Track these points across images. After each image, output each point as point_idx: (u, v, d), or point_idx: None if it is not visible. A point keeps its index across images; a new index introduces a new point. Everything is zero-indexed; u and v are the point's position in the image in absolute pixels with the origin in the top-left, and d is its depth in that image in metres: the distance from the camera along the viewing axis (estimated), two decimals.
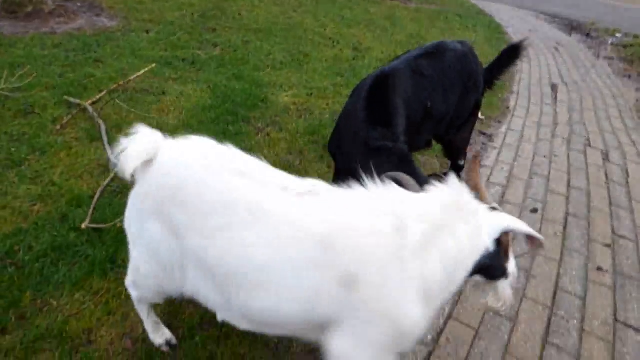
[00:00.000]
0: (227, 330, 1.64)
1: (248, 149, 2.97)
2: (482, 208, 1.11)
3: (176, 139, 1.20)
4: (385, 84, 1.90)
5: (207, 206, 1.02)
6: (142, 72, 3.78)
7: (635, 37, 7.79)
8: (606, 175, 3.15)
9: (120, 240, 1.93)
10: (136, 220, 1.18)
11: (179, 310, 1.73)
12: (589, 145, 3.58)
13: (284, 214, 0.99)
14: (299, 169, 2.85)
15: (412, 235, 0.97)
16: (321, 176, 2.79)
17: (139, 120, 3.02)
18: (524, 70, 5.50)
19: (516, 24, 8.48)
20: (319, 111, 3.61)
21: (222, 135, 3.06)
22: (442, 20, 7.66)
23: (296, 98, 3.79)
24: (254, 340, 1.63)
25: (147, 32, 4.80)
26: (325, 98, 3.87)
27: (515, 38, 7.26)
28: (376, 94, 1.85)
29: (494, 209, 1.15)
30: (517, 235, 1.20)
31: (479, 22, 7.99)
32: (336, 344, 1.01)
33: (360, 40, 5.73)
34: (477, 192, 1.16)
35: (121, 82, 3.52)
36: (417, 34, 6.54)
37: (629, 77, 5.74)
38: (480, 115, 3.93)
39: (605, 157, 3.41)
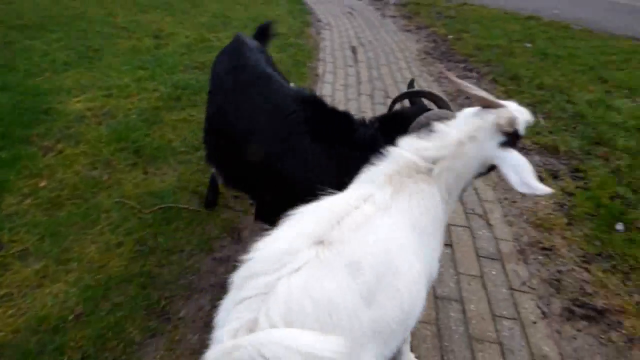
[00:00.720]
0: None
1: (35, 174, 2.45)
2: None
3: None
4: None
5: None
6: None
7: None
8: None
9: None
10: None
11: None
12: (388, 97, 4.05)
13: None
14: (109, 184, 2.47)
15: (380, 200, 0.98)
16: (137, 185, 2.48)
17: None
18: (326, 38, 5.87)
19: None
20: (123, 113, 3.17)
21: None
22: None
23: (91, 102, 3.25)
24: None
25: None
26: (129, 97, 3.42)
27: (314, 7, 7.69)
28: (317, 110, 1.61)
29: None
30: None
31: None
32: None
33: (161, 26, 5.23)
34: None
35: None
36: (221, 14, 6.31)
37: (410, 31, 6.68)
38: (292, 85, 4.04)
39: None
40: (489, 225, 2.43)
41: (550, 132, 3.48)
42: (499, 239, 2.31)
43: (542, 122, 3.67)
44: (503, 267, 2.12)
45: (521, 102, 4.03)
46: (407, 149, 1.09)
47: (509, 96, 4.19)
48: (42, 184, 2.39)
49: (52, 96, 3.25)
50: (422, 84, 4.44)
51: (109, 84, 3.57)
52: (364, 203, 0.96)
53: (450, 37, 6.10)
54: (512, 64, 4.90)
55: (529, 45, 5.62)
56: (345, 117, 1.60)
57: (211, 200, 2.38)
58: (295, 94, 1.65)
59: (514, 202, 2.67)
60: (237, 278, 0.85)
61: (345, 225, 0.87)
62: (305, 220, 0.90)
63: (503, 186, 2.82)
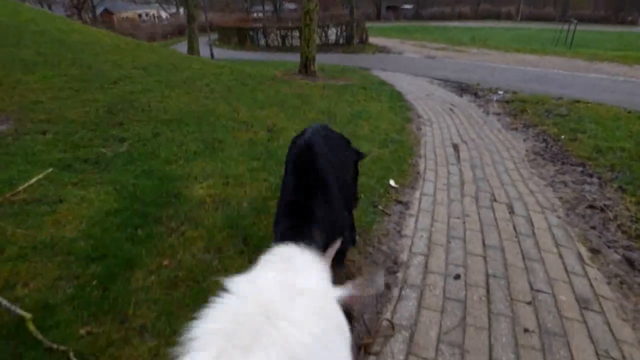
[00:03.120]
0: None
1: (160, 253, 2.75)
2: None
3: None
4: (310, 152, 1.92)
5: None
6: (34, 179, 3.44)
7: (514, 92, 9.01)
8: (514, 228, 3.37)
9: None
10: None
11: None
12: (495, 200, 3.85)
13: None
14: (218, 269, 2.65)
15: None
16: (242, 272, 2.61)
17: (26, 239, 2.69)
18: (427, 134, 5.99)
19: (414, 90, 9.41)
20: (236, 200, 3.50)
21: (129, 242, 2.80)
22: (349, 93, 8.26)
23: (212, 189, 3.66)
24: None
25: (44, 133, 4.47)
26: (242, 185, 3.79)
27: (415, 103, 8.01)
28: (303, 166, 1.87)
29: None
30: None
31: (382, 92, 8.74)
32: None
33: (274, 121, 5.89)
34: None
35: (8, 195, 3.15)
36: (327, 110, 6.92)
37: (516, 129, 6.50)
38: (393, 183, 4.10)
39: (511, 210, 3.67)
40: None
41: None
42: None
43: None
44: None
45: None
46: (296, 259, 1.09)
47: None
48: (165, 262, 2.66)
49: (182, 182, 3.74)
50: (533, 188, 4.17)
51: (228, 173, 4.01)
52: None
53: (563, 137, 5.78)
54: None
55: None
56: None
57: None
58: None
59: None
60: None
61: None
62: None
63: None
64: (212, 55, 15.45)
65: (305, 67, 10.75)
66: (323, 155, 1.96)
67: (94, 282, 2.40)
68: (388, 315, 2.37)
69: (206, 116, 5.73)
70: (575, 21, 21.14)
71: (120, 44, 10.04)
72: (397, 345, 2.13)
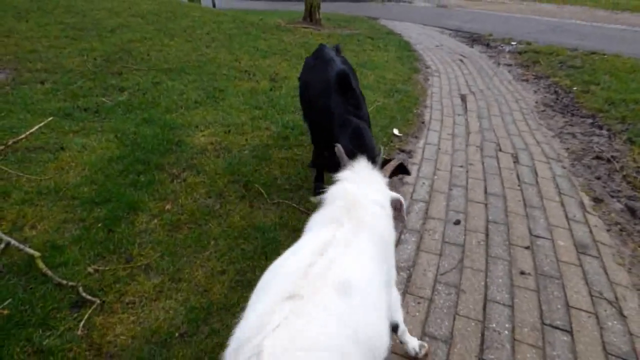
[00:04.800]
0: None
1: (163, 198, 2.78)
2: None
3: None
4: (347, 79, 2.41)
5: None
6: (35, 127, 3.44)
7: (528, 43, 8.63)
8: (518, 177, 3.34)
9: None
10: None
11: None
12: (500, 150, 3.80)
13: None
14: (220, 213, 2.69)
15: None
16: (243, 217, 2.65)
17: (30, 184, 2.72)
18: (434, 84, 5.82)
19: (423, 41, 9.06)
20: (238, 148, 3.48)
21: (132, 187, 2.82)
22: (355, 43, 7.96)
23: (213, 137, 3.64)
24: None
25: (42, 82, 4.41)
26: (244, 134, 3.75)
27: (423, 54, 7.73)
28: (344, 86, 2.40)
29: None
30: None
31: (390, 42, 8.42)
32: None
33: (277, 70, 5.73)
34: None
35: (9, 142, 3.16)
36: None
37: (527, 80, 6.29)
38: (397, 132, 4.04)
39: (516, 160, 3.63)
40: (622, 316, 2.05)
41: None
42: (635, 335, 1.93)
43: None
44: None
45: None
46: (356, 190, 1.34)
47: None
48: (168, 207, 2.70)
49: (184, 130, 3.72)
50: (540, 139, 4.09)
51: (229, 122, 3.97)
52: (328, 247, 1.04)
53: (575, 88, 5.59)
54: None
55: None
56: (346, 91, 2.40)
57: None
58: (334, 72, 2.47)
59: None
60: (229, 353, 0.87)
61: (312, 275, 0.93)
62: (276, 281, 0.97)
63: None
64: (214, 4, 14.83)
65: (310, 15, 10.31)
66: (354, 79, 2.60)
67: (99, 225, 2.45)
68: None
69: (207, 65, 5.59)
70: None
71: None
72: None
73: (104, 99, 4.21)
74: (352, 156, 1.61)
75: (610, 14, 12.63)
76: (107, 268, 2.16)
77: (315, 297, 0.89)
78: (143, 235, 2.42)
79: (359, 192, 1.32)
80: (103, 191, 2.74)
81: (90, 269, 2.13)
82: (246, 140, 3.64)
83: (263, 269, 2.21)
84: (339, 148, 1.76)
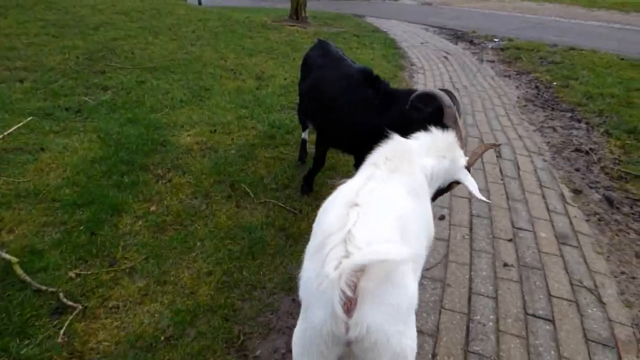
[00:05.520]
0: None
1: (147, 199, 2.75)
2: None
3: None
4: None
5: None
6: (14, 128, 3.37)
7: (510, 40, 8.76)
8: (501, 171, 3.40)
9: None
10: None
11: None
12: None
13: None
14: (205, 214, 2.67)
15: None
16: (230, 217, 2.65)
17: (8, 187, 2.66)
18: (419, 81, 5.87)
19: (408, 38, 9.11)
20: (224, 148, 3.46)
21: (115, 189, 2.79)
22: (341, 41, 7.97)
23: (199, 137, 3.61)
24: None
25: (21, 81, 4.32)
26: (230, 133, 3.74)
27: (408, 51, 7.78)
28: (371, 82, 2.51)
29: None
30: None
31: (375, 40, 8.44)
32: None
33: (263, 68, 5.71)
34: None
35: None
36: None
37: (509, 76, 6.39)
38: None
39: (498, 154, 3.69)
40: (601, 302, 2.11)
41: None
42: (613, 321, 1.99)
43: None
44: (619, 357, 1.81)
45: None
46: (406, 140, 1.58)
47: (625, 152, 3.73)
48: (153, 208, 2.67)
49: (169, 129, 3.68)
50: (522, 133, 4.17)
51: (215, 121, 3.94)
52: (368, 180, 1.30)
53: (555, 83, 5.70)
54: (630, 115, 4.39)
55: None
56: (377, 80, 2.51)
57: (302, 157, 3.40)
58: (358, 68, 2.63)
59: (634, 277, 2.31)
60: (312, 246, 1.15)
61: (362, 194, 1.20)
62: (338, 200, 1.23)
63: (619, 257, 2.47)
64: (199, 1, 14.68)
65: (296, 12, 10.27)
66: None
67: (81, 228, 2.41)
68: None
69: (192, 64, 5.54)
70: None
71: None
72: None
73: (86, 98, 4.14)
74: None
75: (588, 11, 12.91)
76: (89, 272, 2.13)
77: (369, 205, 1.16)
78: (127, 238, 2.39)
79: (411, 150, 1.53)
80: (85, 193, 2.70)
81: (71, 274, 2.10)
82: (232, 139, 3.63)
83: (250, 269, 2.24)
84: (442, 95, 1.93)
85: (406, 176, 1.40)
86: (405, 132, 1.92)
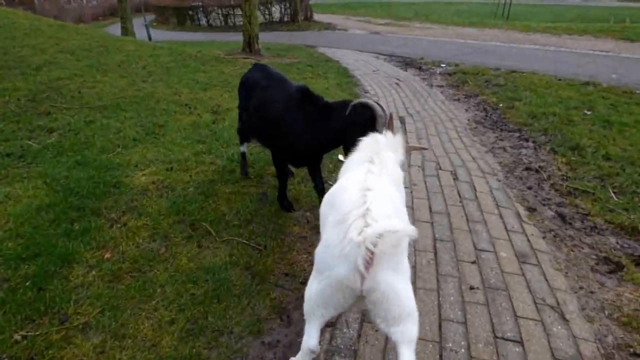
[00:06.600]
0: None
1: (101, 246, 2.58)
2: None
3: None
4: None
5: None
6: None
7: (456, 65, 9.29)
8: (459, 193, 3.51)
9: None
10: None
11: None
12: (440, 169, 3.99)
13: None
14: (166, 257, 2.54)
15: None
16: (191, 259, 2.53)
17: None
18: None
19: (360, 67, 9.44)
20: (182, 186, 3.35)
21: (65, 237, 2.60)
22: (295, 71, 8.12)
23: (155, 176, 3.48)
24: None
25: None
26: (188, 170, 3.63)
27: (361, 79, 8.05)
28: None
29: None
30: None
31: (329, 69, 8.68)
32: None
33: (218, 102, 5.67)
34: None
35: None
36: None
37: (458, 100, 6.74)
38: (342, 157, 4.11)
39: (455, 177, 3.82)
40: (564, 320, 2.18)
41: (626, 210, 3.21)
42: (578, 337, 2.05)
43: (614, 197, 3.41)
44: None
45: (588, 175, 3.84)
46: (380, 141, 1.90)
47: (572, 168, 3.98)
48: (107, 255, 2.51)
49: (122, 170, 3.52)
50: (475, 155, 4.36)
51: (171, 158, 3.83)
52: (369, 174, 1.60)
53: (501, 105, 6.06)
54: (572, 132, 4.72)
55: (588, 112, 5.44)
56: (316, 99, 2.74)
57: (244, 171, 3.64)
58: (296, 87, 2.86)
59: (592, 292, 2.41)
60: (332, 222, 1.44)
61: (367, 182, 1.50)
62: (351, 184, 1.54)
63: (576, 272, 2.58)
64: (149, 37, 14.53)
65: (249, 45, 10.40)
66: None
67: (27, 283, 2.21)
68: None
69: (145, 100, 5.40)
70: None
71: (41, 26, 9.18)
72: (350, 315, 2.17)
73: (30, 142, 3.90)
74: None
75: (525, 36, 14.01)
76: (37, 333, 1.94)
77: (377, 190, 1.46)
78: (79, 290, 2.22)
79: (385, 146, 1.87)
80: (31, 245, 2.50)
81: (17, 337, 1.90)
82: (190, 176, 3.52)
83: (215, 313, 2.14)
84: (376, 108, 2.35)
85: (391, 170, 1.76)
86: (347, 137, 2.46)
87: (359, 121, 2.41)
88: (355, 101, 2.50)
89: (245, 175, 3.62)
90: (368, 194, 1.39)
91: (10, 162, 3.50)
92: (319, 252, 1.45)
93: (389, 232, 1.21)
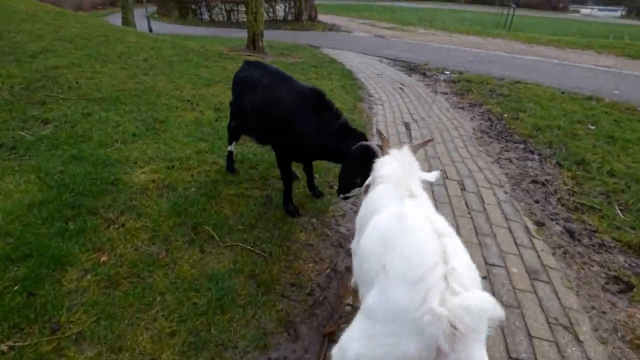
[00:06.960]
0: None
1: (97, 248, 2.46)
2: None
3: None
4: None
5: None
6: None
7: (460, 73, 9.24)
8: (467, 204, 3.43)
9: None
10: None
11: None
12: (447, 178, 3.91)
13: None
14: (165, 262, 2.42)
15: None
16: (193, 265, 2.42)
17: None
18: (379, 112, 5.96)
19: (364, 69, 9.35)
20: (183, 186, 3.23)
21: (58, 238, 2.47)
22: (299, 71, 8.01)
23: (155, 174, 3.35)
24: None
25: None
26: (189, 169, 3.51)
27: (365, 82, 7.96)
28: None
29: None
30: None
31: (333, 71, 8.58)
32: None
33: (221, 99, 5.54)
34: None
35: None
36: None
37: (463, 108, 6.67)
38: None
39: (462, 187, 3.74)
40: (579, 341, 2.10)
41: (633, 228, 3.15)
42: None
43: (621, 215, 3.35)
44: None
45: (593, 191, 3.77)
46: (405, 168, 1.71)
47: (577, 183, 3.93)
48: (103, 258, 2.38)
49: (120, 166, 3.39)
50: (481, 165, 4.28)
51: (172, 156, 3.70)
52: (418, 207, 1.43)
53: (506, 115, 6.01)
54: (576, 147, 4.67)
55: (592, 127, 5.40)
56: (329, 105, 2.69)
57: (231, 168, 3.57)
58: (307, 87, 2.79)
59: (604, 312, 2.33)
60: (403, 272, 1.15)
61: (437, 224, 1.27)
62: (417, 230, 1.26)
63: (587, 291, 2.51)
64: (150, 29, 14.31)
65: (253, 42, 10.26)
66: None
67: (16, 288, 2.08)
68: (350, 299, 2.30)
69: (145, 94, 5.26)
70: (514, 5, 22.12)
71: (38, 12, 8.96)
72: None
73: (22, 133, 3.75)
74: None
75: (528, 47, 14.02)
76: (26, 343, 1.81)
77: (449, 236, 1.23)
78: (73, 296, 2.09)
79: (409, 172, 1.69)
80: (21, 245, 2.36)
81: (3, 347, 1.77)
82: (192, 176, 3.40)
83: (219, 325, 2.02)
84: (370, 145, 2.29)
85: (426, 201, 1.58)
86: (338, 159, 2.70)
87: (360, 160, 2.35)
88: (365, 144, 2.43)
89: (232, 171, 3.56)
90: (448, 243, 1.16)
91: (1, 154, 3.35)
92: (374, 305, 1.17)
93: (480, 310, 0.96)
